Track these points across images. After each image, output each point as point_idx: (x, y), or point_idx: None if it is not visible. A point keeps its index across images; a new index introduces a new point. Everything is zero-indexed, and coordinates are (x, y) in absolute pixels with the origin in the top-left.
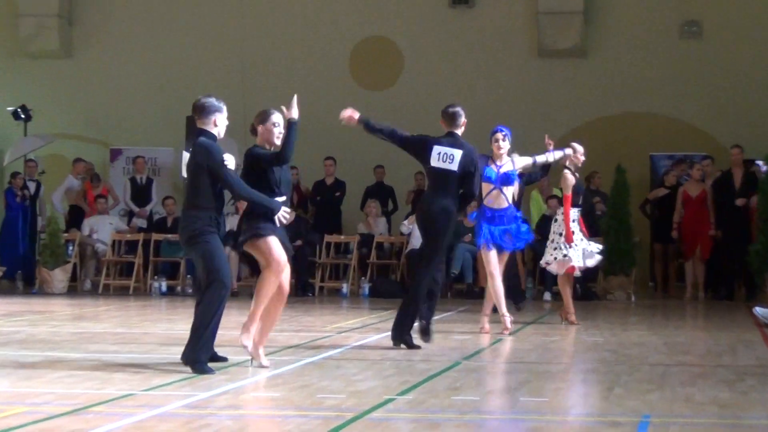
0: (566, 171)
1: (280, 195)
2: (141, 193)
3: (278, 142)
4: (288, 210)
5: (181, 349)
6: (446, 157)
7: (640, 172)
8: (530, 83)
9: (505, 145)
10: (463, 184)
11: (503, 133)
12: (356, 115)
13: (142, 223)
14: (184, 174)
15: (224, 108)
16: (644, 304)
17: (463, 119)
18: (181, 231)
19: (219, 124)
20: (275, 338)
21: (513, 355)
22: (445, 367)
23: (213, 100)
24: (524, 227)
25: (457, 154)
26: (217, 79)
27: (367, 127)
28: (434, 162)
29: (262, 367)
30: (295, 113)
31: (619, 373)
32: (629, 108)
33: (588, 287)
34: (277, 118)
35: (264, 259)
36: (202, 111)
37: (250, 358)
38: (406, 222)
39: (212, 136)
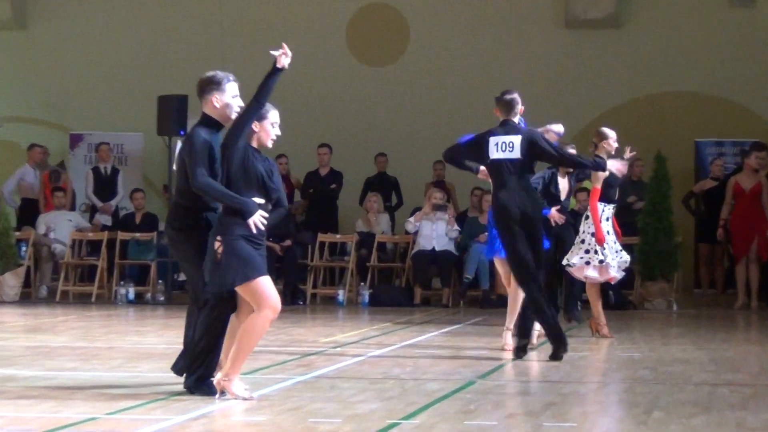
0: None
1: (264, 193)
2: (105, 186)
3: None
4: (265, 215)
5: (152, 365)
6: (505, 146)
7: (683, 161)
8: (556, 59)
9: None
10: (549, 159)
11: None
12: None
13: (106, 220)
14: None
15: (227, 82)
16: (688, 314)
17: (520, 106)
18: (166, 226)
19: (219, 103)
20: (259, 354)
21: (535, 374)
22: (457, 388)
23: (210, 75)
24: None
25: (516, 140)
26: (193, 54)
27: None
28: (494, 154)
29: (244, 399)
30: (286, 61)
31: (658, 393)
32: (670, 87)
33: (623, 295)
34: (275, 116)
35: (254, 302)
36: (197, 89)
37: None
38: (412, 219)
39: (209, 120)
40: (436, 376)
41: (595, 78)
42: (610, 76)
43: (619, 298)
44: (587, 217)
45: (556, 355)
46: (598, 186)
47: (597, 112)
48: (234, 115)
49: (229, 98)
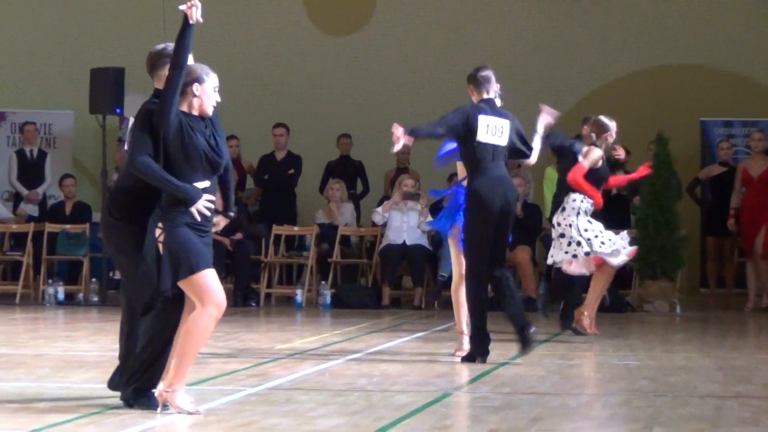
0: (596, 148)
1: (205, 176)
2: (31, 171)
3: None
4: (211, 198)
5: (84, 375)
6: (495, 130)
7: (687, 143)
8: (540, 28)
9: None
10: (516, 154)
11: None
12: (402, 133)
13: (32, 210)
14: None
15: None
16: (693, 317)
17: (495, 84)
18: (102, 213)
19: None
20: (205, 363)
21: (520, 384)
22: (430, 400)
23: (161, 47)
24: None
25: (506, 125)
26: (132, 21)
27: (418, 137)
28: (483, 136)
29: (189, 414)
30: (197, 13)
31: (659, 407)
32: (673, 60)
33: (619, 295)
34: (215, 79)
35: (196, 297)
36: (147, 64)
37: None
38: (380, 209)
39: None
40: (406, 388)
41: (588, 50)
42: (605, 48)
43: (615, 298)
44: (563, 209)
45: (470, 358)
46: (585, 165)
47: (591, 87)
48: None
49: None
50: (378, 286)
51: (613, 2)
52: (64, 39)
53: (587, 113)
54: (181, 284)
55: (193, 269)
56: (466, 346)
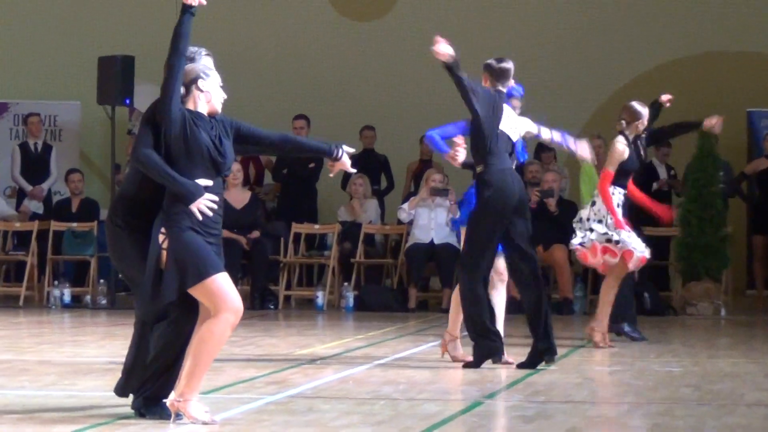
0: (620, 138)
1: (207, 175)
2: (35, 165)
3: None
4: (214, 198)
5: (92, 382)
6: (512, 123)
7: (733, 136)
8: (579, 13)
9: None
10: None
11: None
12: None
13: (36, 207)
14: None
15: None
16: (739, 321)
17: (511, 80)
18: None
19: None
20: (221, 369)
21: (555, 392)
22: (460, 409)
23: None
24: None
25: (522, 123)
26: (144, 9)
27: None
28: (504, 125)
29: (204, 424)
30: None
31: (703, 416)
32: (719, 46)
33: (661, 298)
34: (217, 77)
35: (210, 304)
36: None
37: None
38: (406, 206)
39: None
40: (434, 396)
41: (626, 36)
42: (644, 34)
43: (656, 301)
44: (593, 203)
45: (475, 364)
46: (611, 168)
47: (629, 76)
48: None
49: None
50: (404, 287)
51: None
52: (70, 25)
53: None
54: (192, 292)
55: (203, 275)
56: (459, 350)
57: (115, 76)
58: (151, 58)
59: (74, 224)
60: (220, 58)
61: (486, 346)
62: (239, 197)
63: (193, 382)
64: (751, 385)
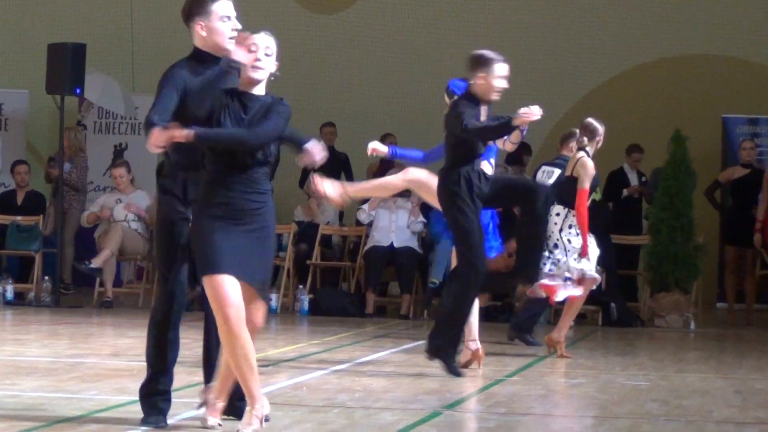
0: (582, 153)
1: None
2: None
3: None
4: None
5: (35, 382)
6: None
7: (707, 142)
8: (550, 13)
9: None
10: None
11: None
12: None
13: None
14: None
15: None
16: (709, 334)
17: None
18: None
19: (206, 31)
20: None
21: (516, 404)
22: (418, 420)
23: None
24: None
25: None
26: None
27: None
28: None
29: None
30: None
31: None
32: (694, 50)
33: (628, 309)
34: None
35: (211, 302)
36: (183, 16)
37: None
38: (365, 207)
39: (198, 54)
40: (391, 405)
41: (599, 38)
42: (618, 36)
43: (623, 312)
44: (571, 226)
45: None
46: (585, 186)
47: (601, 78)
48: (227, 44)
49: (217, 22)
50: (361, 292)
51: None
52: (19, 10)
53: (595, 108)
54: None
55: (211, 268)
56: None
57: (65, 65)
58: (103, 46)
59: (19, 218)
60: (178, 52)
61: (450, 354)
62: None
63: (224, 388)
64: (721, 401)
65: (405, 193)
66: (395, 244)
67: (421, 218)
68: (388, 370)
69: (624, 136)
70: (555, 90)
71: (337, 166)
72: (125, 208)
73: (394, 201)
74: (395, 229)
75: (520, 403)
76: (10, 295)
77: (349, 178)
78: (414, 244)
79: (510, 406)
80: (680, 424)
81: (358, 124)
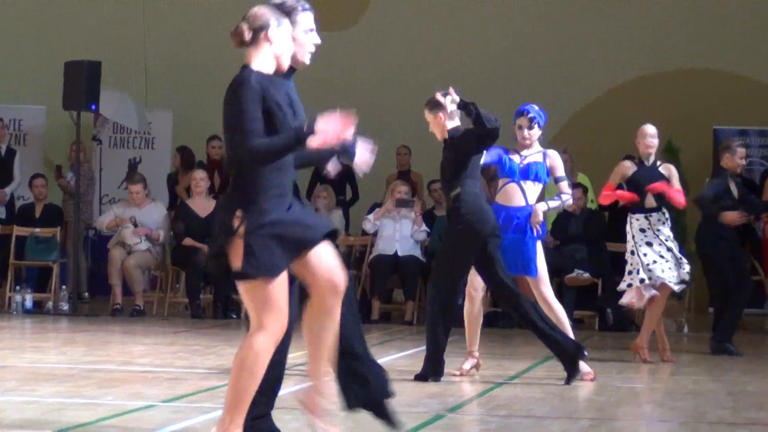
0: (627, 161)
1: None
2: None
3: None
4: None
5: (53, 388)
6: None
7: (699, 152)
8: (549, 27)
9: (534, 133)
10: None
11: (530, 115)
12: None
13: None
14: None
15: (301, 12)
16: (702, 338)
17: None
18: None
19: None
20: (182, 377)
21: (516, 407)
22: (421, 423)
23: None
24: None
25: None
26: (111, 14)
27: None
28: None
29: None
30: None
31: None
32: (687, 64)
33: (623, 314)
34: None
35: (254, 313)
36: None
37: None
38: (371, 217)
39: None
40: (396, 408)
41: (595, 51)
42: (613, 50)
43: (619, 317)
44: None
45: (422, 377)
46: (613, 182)
47: (598, 91)
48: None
49: (300, 33)
50: (367, 299)
51: (620, 3)
52: (37, 29)
53: (592, 120)
54: (240, 285)
55: (260, 270)
56: (467, 366)
57: (81, 82)
58: (118, 63)
59: (37, 229)
60: (190, 68)
61: (439, 366)
62: (204, 205)
63: (235, 416)
64: (714, 403)
65: (408, 203)
66: (399, 253)
67: (424, 227)
68: (392, 374)
69: (620, 146)
70: (555, 101)
71: (342, 177)
72: (134, 233)
73: (398, 211)
74: (399, 238)
75: (520, 405)
76: (29, 304)
77: (353, 188)
78: (417, 252)
79: (510, 408)
80: (674, 425)
81: (363, 135)
